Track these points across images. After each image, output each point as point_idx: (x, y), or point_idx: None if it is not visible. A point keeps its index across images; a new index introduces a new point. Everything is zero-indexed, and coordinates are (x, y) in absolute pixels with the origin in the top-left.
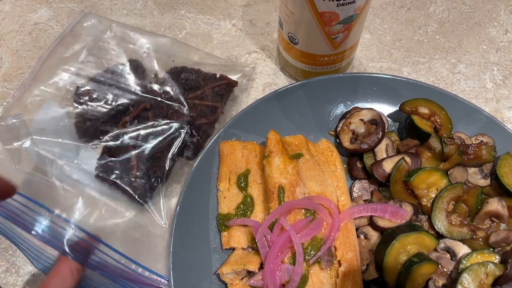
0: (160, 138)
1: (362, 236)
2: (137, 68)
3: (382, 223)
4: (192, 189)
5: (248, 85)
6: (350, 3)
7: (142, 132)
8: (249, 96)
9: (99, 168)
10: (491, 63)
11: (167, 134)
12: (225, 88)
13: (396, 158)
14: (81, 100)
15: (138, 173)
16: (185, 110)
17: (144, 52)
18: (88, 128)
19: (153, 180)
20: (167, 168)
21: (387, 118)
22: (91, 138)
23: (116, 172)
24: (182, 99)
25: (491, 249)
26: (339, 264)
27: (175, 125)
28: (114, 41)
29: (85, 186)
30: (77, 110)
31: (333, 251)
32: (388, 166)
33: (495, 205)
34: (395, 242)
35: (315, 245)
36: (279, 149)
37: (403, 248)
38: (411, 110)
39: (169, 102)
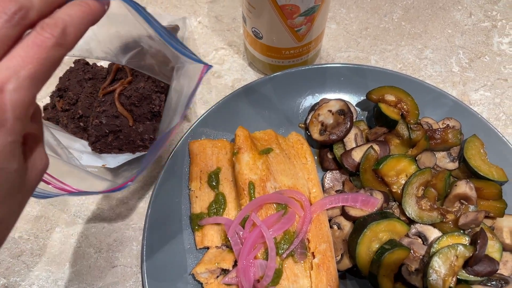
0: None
1: (335, 227)
2: None
3: (354, 212)
4: (163, 190)
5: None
6: None
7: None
8: (218, 94)
9: None
10: (457, 47)
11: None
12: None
13: (365, 147)
14: None
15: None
16: None
17: None
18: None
19: None
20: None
21: (356, 107)
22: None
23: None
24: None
25: (461, 231)
26: (313, 256)
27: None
28: None
29: None
30: None
31: (306, 243)
32: (357, 155)
33: (463, 187)
34: (367, 230)
35: (287, 238)
36: (247, 145)
37: (375, 236)
38: (377, 98)
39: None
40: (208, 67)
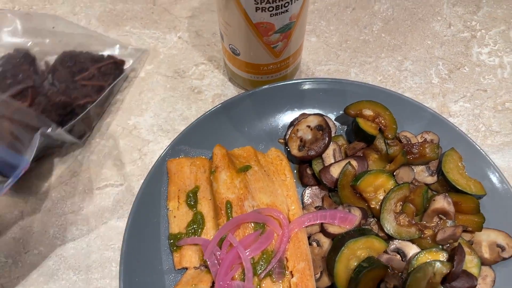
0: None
1: (314, 244)
2: (26, 57)
3: (333, 229)
4: (141, 210)
5: (138, 64)
6: (283, 13)
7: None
8: (198, 110)
9: None
10: (436, 58)
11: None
12: (111, 67)
13: (343, 163)
14: None
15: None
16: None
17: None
18: None
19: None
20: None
21: (335, 122)
22: None
23: None
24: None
25: (439, 246)
26: (291, 275)
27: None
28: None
29: None
30: None
31: (285, 262)
32: (335, 171)
33: (441, 202)
34: (344, 248)
35: (265, 258)
36: (225, 163)
37: (353, 254)
38: (355, 113)
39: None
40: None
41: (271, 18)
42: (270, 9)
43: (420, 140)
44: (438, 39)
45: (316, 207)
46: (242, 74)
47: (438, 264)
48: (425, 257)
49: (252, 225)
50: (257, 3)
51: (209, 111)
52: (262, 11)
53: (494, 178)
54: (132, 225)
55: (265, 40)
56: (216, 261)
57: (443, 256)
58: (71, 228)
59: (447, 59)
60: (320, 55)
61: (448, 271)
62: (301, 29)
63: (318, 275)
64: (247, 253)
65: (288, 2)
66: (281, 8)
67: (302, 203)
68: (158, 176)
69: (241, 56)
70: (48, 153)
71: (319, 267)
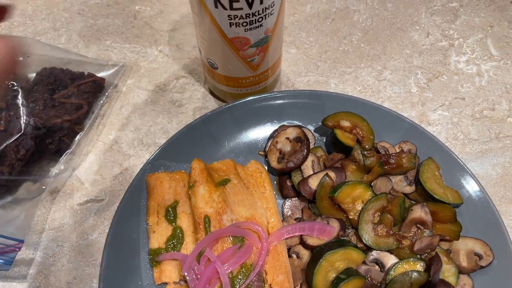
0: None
1: (294, 256)
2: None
3: (312, 241)
4: (120, 226)
5: (118, 79)
6: (258, 27)
7: None
8: (179, 123)
9: None
10: (415, 67)
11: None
12: (91, 85)
13: (321, 174)
14: None
15: None
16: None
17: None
18: None
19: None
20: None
21: (314, 133)
22: None
23: None
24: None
25: (417, 256)
26: (271, 287)
27: (20, 125)
28: None
29: None
30: None
31: (264, 275)
32: (314, 183)
33: (418, 212)
34: (322, 260)
35: (244, 272)
36: (203, 178)
37: (331, 266)
38: (333, 125)
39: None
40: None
41: (246, 33)
42: (244, 24)
43: (398, 150)
44: (417, 48)
45: (296, 219)
46: (222, 87)
47: (415, 274)
48: (403, 267)
49: (231, 239)
50: (231, 19)
51: (187, 125)
52: (236, 26)
53: (471, 187)
54: (112, 241)
55: (242, 54)
56: (194, 276)
57: (420, 266)
58: (51, 245)
59: (425, 68)
60: (300, 66)
61: (425, 281)
62: (277, 42)
63: (298, 287)
64: (226, 267)
65: (262, 17)
66: (255, 23)
67: (282, 215)
68: (138, 191)
69: (219, 70)
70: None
71: (299, 279)
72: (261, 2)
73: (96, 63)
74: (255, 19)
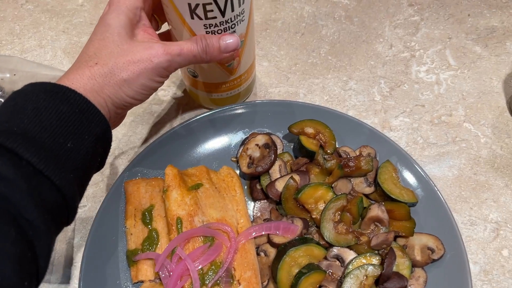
0: None
1: (262, 254)
2: None
3: (277, 239)
4: (99, 229)
5: None
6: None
7: None
8: (157, 132)
9: None
10: (378, 77)
11: None
12: None
13: (287, 178)
14: None
15: None
16: None
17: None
18: None
19: None
20: None
21: (283, 139)
22: None
23: None
24: None
25: (375, 251)
26: (239, 283)
27: None
28: None
29: None
30: None
31: (233, 272)
32: (280, 185)
33: (375, 211)
34: (286, 256)
35: (214, 269)
36: (176, 183)
37: (294, 261)
38: (298, 131)
39: None
40: None
41: None
42: (219, 31)
43: (358, 154)
44: (380, 60)
45: (264, 220)
46: (203, 94)
47: (370, 267)
48: (360, 261)
49: (201, 238)
50: (207, 28)
51: (163, 135)
52: (212, 34)
53: (426, 187)
54: (91, 243)
55: (219, 61)
56: (167, 273)
57: (376, 260)
58: None
59: (388, 77)
60: (272, 78)
61: (379, 273)
62: (250, 46)
63: (265, 283)
64: (196, 264)
65: (234, 24)
66: (229, 29)
67: (252, 216)
68: (116, 197)
69: (199, 78)
70: None
71: (266, 275)
72: (232, 10)
73: None
74: (229, 26)
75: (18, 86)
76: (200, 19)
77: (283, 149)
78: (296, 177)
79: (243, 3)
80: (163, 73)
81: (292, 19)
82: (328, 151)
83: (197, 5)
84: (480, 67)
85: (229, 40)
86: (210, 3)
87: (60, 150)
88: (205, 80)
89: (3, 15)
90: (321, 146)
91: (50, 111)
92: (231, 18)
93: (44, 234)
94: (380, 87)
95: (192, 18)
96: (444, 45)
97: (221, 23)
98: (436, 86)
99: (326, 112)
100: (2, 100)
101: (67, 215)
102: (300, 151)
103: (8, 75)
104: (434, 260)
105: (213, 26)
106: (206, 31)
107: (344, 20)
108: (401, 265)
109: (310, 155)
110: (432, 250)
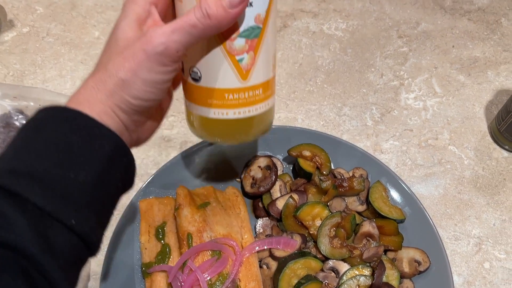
0: None
1: (264, 267)
2: (15, 116)
3: (278, 253)
4: (116, 244)
5: None
6: (247, 6)
7: None
8: (168, 155)
9: None
10: (370, 104)
11: None
12: None
13: (286, 197)
14: None
15: None
16: None
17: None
18: None
19: None
20: None
21: (283, 161)
22: None
23: None
24: None
25: (366, 264)
26: None
27: None
28: (2, 99)
29: None
30: None
31: (238, 282)
32: (280, 204)
33: (367, 227)
34: (286, 268)
35: (221, 280)
36: (187, 201)
37: (294, 273)
38: (296, 154)
39: None
40: None
41: None
42: None
43: (351, 175)
44: (372, 87)
45: (266, 235)
46: (203, 111)
47: (362, 278)
48: (353, 272)
49: (210, 252)
50: None
51: (174, 158)
52: None
53: (413, 205)
54: (109, 257)
55: (229, 47)
56: (179, 284)
57: (367, 271)
58: None
59: (379, 104)
60: None
61: (370, 283)
62: (269, 45)
63: None
64: (205, 276)
65: None
66: None
67: (255, 232)
68: (132, 214)
69: (202, 81)
70: None
71: (268, 286)
72: None
73: None
74: None
75: None
76: None
77: (283, 171)
78: (295, 196)
79: None
80: (163, 60)
81: (291, 51)
82: (324, 172)
83: None
84: (464, 94)
85: None
86: None
87: (69, 185)
88: (207, 83)
89: (25, 47)
90: (318, 168)
91: (59, 141)
92: None
93: (61, 281)
94: (372, 113)
95: None
96: (431, 74)
97: None
98: (423, 112)
99: (322, 136)
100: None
101: (88, 250)
102: (299, 172)
103: (32, 104)
104: (420, 272)
105: None
106: None
107: (338, 51)
108: (390, 276)
109: (307, 176)
110: (419, 263)
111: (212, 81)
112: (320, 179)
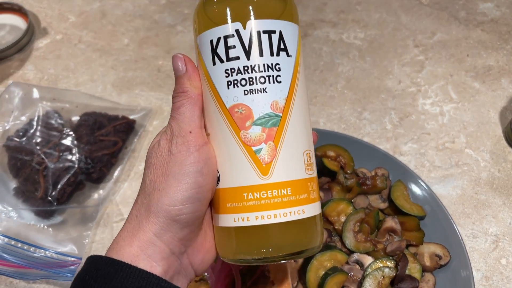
0: (61, 165)
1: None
2: (53, 117)
3: None
4: None
5: (146, 121)
6: (261, 92)
7: (50, 163)
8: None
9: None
10: (389, 109)
11: (64, 164)
12: (125, 125)
13: None
14: (10, 145)
15: (42, 194)
16: (75, 149)
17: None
18: (16, 163)
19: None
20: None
21: None
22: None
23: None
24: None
25: (389, 257)
26: (273, 283)
27: (70, 157)
28: (38, 102)
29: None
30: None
31: (267, 274)
32: None
33: (390, 222)
34: (314, 260)
35: (252, 270)
36: None
37: (321, 265)
38: (321, 154)
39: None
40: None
41: (246, 98)
42: (243, 82)
43: (373, 174)
44: (391, 93)
45: None
46: (224, 221)
47: (386, 269)
48: (377, 265)
49: None
50: (228, 75)
51: None
52: (234, 87)
53: (433, 203)
54: None
55: (243, 137)
56: (212, 273)
57: (391, 264)
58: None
59: (398, 109)
60: None
61: (394, 274)
62: (297, 136)
63: (295, 284)
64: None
65: (264, 78)
66: (257, 83)
67: None
68: None
69: (220, 182)
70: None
71: (295, 278)
72: (261, 54)
73: (128, 108)
74: (255, 78)
75: (75, 114)
76: (222, 61)
77: None
78: (321, 193)
79: (277, 53)
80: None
81: (312, 58)
82: (348, 171)
83: (218, 39)
84: (479, 101)
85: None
86: (232, 35)
87: None
88: (225, 183)
89: (59, 53)
90: (341, 167)
91: None
92: (259, 66)
93: None
94: (391, 117)
95: (214, 63)
96: (447, 81)
97: (245, 69)
98: (440, 116)
99: (345, 138)
100: (62, 122)
101: None
102: (323, 171)
103: (67, 105)
104: (441, 266)
105: (235, 73)
106: (228, 82)
107: (357, 59)
108: (413, 269)
109: (332, 175)
110: (440, 257)
111: (229, 180)
112: (345, 177)
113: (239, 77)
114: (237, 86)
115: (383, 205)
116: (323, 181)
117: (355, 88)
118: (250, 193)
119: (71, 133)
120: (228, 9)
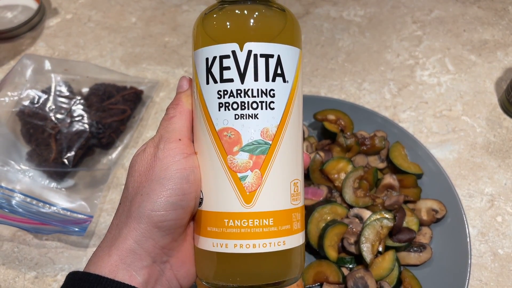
0: (72, 130)
1: None
2: (65, 86)
3: (307, 202)
4: None
5: (153, 92)
6: (252, 118)
7: (63, 128)
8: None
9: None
10: (388, 80)
11: (76, 128)
12: (133, 95)
13: (313, 154)
14: (25, 111)
15: (55, 156)
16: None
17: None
18: (29, 128)
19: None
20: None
21: (308, 127)
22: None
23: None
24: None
25: (389, 210)
26: None
27: (81, 123)
28: (50, 73)
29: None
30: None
31: None
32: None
33: (388, 179)
34: (315, 212)
35: None
36: None
37: (321, 217)
38: (321, 118)
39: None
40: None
41: (236, 122)
42: (235, 106)
43: (372, 135)
44: (389, 66)
45: None
46: (203, 243)
47: (385, 220)
48: (376, 217)
49: None
50: (220, 96)
51: None
52: (225, 109)
53: (429, 163)
54: None
55: (230, 162)
56: None
57: (389, 215)
58: (109, 218)
59: (396, 80)
60: None
61: (392, 225)
62: (284, 166)
63: None
64: None
65: (256, 104)
66: (248, 108)
67: None
68: None
69: (203, 204)
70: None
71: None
72: (256, 79)
73: (136, 80)
74: (247, 103)
75: (86, 85)
76: (215, 82)
77: (308, 134)
78: (321, 153)
79: (273, 79)
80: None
81: (313, 34)
82: (347, 132)
83: (214, 58)
84: (475, 72)
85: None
86: (228, 56)
87: None
88: (207, 206)
89: (69, 31)
90: (341, 130)
91: None
92: (252, 91)
93: None
94: (389, 87)
95: (208, 82)
96: (444, 55)
97: (238, 93)
98: (437, 87)
99: (344, 104)
100: (73, 91)
101: None
102: (324, 133)
103: (78, 77)
104: (438, 220)
105: (227, 95)
106: (219, 104)
107: (357, 35)
108: (410, 222)
109: (332, 137)
110: (436, 211)
111: (212, 203)
112: (344, 137)
113: (231, 100)
114: (228, 109)
115: (382, 165)
116: (324, 143)
117: (355, 61)
118: (231, 220)
119: (82, 101)
120: (226, 28)
